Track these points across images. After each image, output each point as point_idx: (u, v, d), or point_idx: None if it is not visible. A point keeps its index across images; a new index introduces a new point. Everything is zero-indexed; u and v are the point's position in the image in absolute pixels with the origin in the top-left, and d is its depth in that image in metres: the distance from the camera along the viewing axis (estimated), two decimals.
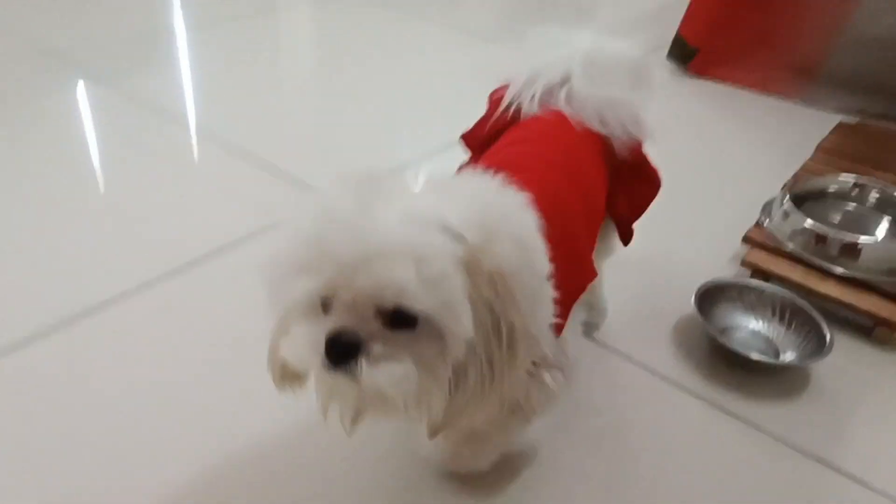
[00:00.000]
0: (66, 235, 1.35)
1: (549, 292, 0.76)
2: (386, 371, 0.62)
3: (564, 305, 0.80)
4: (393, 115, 1.91)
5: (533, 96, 1.00)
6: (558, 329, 0.80)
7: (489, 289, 0.64)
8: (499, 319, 0.65)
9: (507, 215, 0.70)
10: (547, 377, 0.80)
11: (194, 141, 1.74)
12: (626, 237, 1.07)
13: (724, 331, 1.17)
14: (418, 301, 0.60)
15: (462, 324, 0.63)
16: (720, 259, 1.38)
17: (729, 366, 1.12)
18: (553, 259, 0.76)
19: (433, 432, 0.70)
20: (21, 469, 0.91)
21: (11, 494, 0.88)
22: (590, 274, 0.91)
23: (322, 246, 0.61)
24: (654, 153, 1.05)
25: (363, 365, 0.62)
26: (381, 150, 1.75)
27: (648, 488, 0.94)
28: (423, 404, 0.67)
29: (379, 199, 0.63)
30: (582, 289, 0.88)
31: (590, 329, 1.18)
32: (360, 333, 0.63)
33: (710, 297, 1.20)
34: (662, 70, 2.20)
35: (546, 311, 0.76)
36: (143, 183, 1.54)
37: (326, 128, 1.85)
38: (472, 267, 0.63)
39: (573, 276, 0.83)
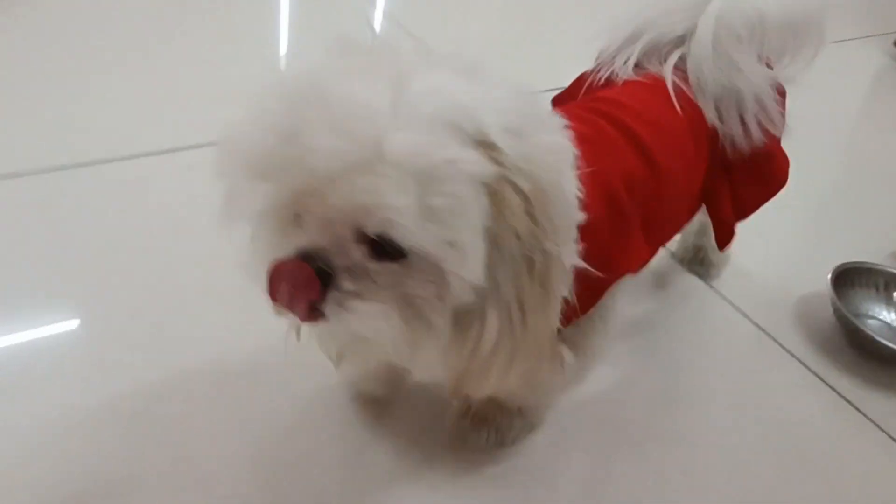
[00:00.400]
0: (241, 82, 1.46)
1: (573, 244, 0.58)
2: (358, 313, 0.49)
3: (590, 286, 0.62)
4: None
5: (628, 59, 0.81)
6: (582, 309, 0.62)
7: (523, 214, 0.49)
8: (532, 249, 0.50)
9: (544, 126, 0.55)
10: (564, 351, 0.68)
11: (378, 22, 1.81)
12: (724, 240, 0.91)
13: (856, 317, 1.08)
14: (411, 235, 0.46)
15: (469, 267, 0.48)
16: (878, 249, 1.26)
17: (854, 351, 1.04)
18: (591, 225, 0.59)
19: (454, 392, 0.58)
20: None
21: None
22: (634, 262, 0.71)
23: (291, 140, 0.45)
24: (850, 128, 0.93)
25: (330, 303, 0.49)
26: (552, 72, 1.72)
27: (736, 446, 0.89)
28: (413, 356, 0.54)
29: (388, 80, 0.46)
30: (618, 273, 0.69)
31: (706, 270, 1.13)
32: (331, 260, 0.49)
33: (850, 278, 1.11)
34: (880, 55, 2.00)
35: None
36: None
37: (506, 44, 1.85)
38: (501, 190, 0.47)
39: (612, 255, 0.65)
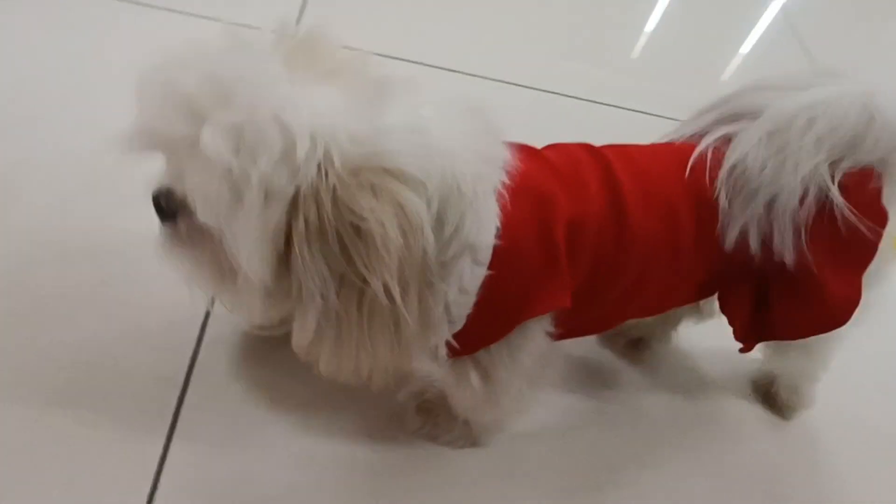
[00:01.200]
0: None
1: (469, 280, 0.60)
2: (180, 256, 0.59)
3: (496, 316, 0.64)
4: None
5: (698, 124, 0.75)
6: (487, 338, 0.66)
7: (336, 237, 0.51)
8: (340, 272, 0.53)
9: (454, 153, 0.56)
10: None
11: None
12: (739, 337, 0.79)
13: None
14: (201, 215, 0.53)
15: (249, 262, 0.53)
16: None
17: None
18: (509, 255, 0.61)
19: (301, 356, 0.61)
20: None
21: None
22: (545, 305, 0.66)
23: (155, 104, 0.53)
24: None
25: (161, 240, 0.59)
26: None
27: None
28: (229, 300, 0.62)
29: (260, 78, 0.51)
30: (526, 312, 0.65)
31: (778, 410, 0.98)
32: (175, 204, 0.56)
33: None
34: None
35: (451, 296, 0.61)
36: None
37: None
38: (297, 211, 0.51)
39: (527, 291, 0.64)
